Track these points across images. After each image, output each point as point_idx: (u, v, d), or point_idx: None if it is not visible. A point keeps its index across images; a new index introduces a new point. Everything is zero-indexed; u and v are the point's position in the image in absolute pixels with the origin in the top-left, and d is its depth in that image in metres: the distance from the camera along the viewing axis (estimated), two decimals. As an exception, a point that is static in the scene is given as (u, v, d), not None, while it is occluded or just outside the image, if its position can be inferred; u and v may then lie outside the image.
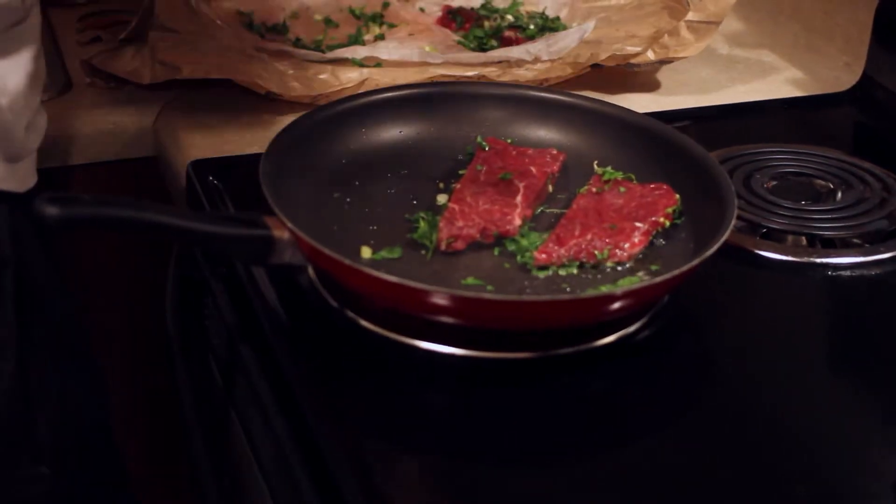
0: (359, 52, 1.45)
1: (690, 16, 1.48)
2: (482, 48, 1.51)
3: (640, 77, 1.50)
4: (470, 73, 1.42)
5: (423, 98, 1.25)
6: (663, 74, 1.52)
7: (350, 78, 1.40)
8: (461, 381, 1.02)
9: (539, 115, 1.25)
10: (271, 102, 1.39)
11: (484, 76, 1.42)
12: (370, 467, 0.94)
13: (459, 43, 1.50)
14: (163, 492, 1.57)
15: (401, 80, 1.38)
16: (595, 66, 1.45)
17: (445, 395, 1.02)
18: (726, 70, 1.58)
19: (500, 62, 1.45)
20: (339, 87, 1.39)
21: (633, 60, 1.46)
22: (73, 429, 1.20)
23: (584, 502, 0.92)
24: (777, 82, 1.55)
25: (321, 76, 1.41)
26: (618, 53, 1.45)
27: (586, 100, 1.25)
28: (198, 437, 1.20)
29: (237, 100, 1.40)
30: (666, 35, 1.47)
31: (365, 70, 1.42)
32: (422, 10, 1.58)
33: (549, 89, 1.31)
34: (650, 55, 1.46)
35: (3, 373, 1.12)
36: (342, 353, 1.04)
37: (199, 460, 1.19)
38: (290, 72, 1.41)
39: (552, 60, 1.45)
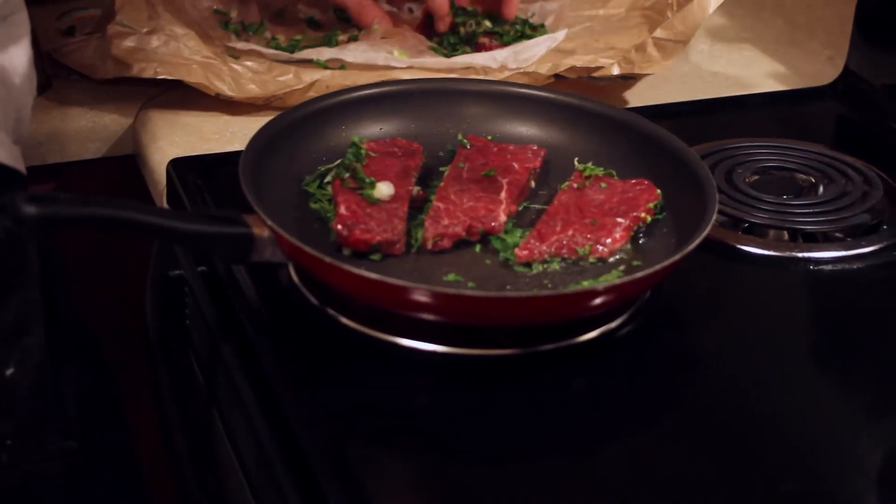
0: (324, 53, 1.44)
1: (658, 33, 1.45)
2: (455, 53, 1.49)
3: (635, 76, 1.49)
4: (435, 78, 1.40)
5: (403, 95, 1.24)
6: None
7: (312, 79, 1.39)
8: (443, 379, 1.02)
9: (519, 112, 1.24)
10: (266, 105, 1.38)
11: None
12: (352, 466, 0.94)
13: (432, 49, 1.49)
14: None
15: (361, 83, 1.37)
16: (559, 77, 1.43)
17: (427, 392, 1.02)
18: (708, 65, 1.58)
19: (465, 69, 1.44)
20: (288, 89, 1.38)
21: (594, 74, 1.44)
22: (94, 406, 1.22)
23: (567, 500, 0.92)
24: (759, 77, 1.55)
25: (282, 77, 1.40)
26: (578, 66, 1.42)
27: (566, 95, 1.25)
28: (180, 437, 1.20)
29: (217, 98, 1.39)
30: (633, 50, 1.45)
31: (327, 72, 1.41)
32: (410, 10, 1.57)
33: (529, 85, 1.30)
34: (614, 70, 1.43)
35: (32, 348, 1.13)
36: (323, 351, 1.04)
37: (181, 460, 1.19)
38: (249, 73, 1.40)
39: (518, 69, 1.44)
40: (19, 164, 1.15)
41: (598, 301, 1.01)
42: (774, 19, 1.67)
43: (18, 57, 1.13)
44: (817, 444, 0.98)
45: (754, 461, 0.95)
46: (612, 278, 1.06)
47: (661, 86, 1.50)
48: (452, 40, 1.51)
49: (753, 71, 1.56)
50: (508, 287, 1.06)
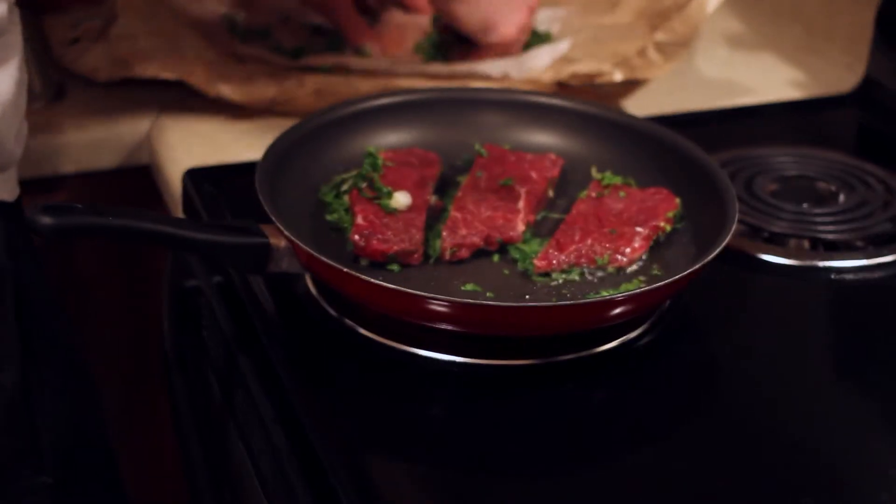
0: (328, 60, 1.45)
1: (658, 36, 1.44)
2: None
3: (638, 81, 1.49)
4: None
5: (419, 104, 1.24)
6: (663, 77, 1.51)
7: (315, 85, 1.39)
8: (461, 389, 1.02)
9: (536, 120, 1.24)
10: (267, 110, 1.38)
11: None
12: (369, 477, 0.93)
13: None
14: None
15: (363, 90, 1.37)
16: (562, 85, 1.42)
17: (446, 403, 1.01)
18: (726, 72, 1.57)
19: (467, 76, 1.43)
20: (290, 94, 1.37)
21: (597, 80, 1.42)
22: (74, 439, 1.20)
23: (586, 511, 0.92)
24: (778, 84, 1.54)
25: (285, 82, 1.40)
26: (580, 73, 1.41)
27: (584, 104, 1.24)
28: (196, 449, 1.19)
29: (233, 107, 1.39)
30: (634, 55, 1.44)
31: (330, 78, 1.41)
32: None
33: (546, 94, 1.30)
34: (617, 76, 1.42)
35: (5, 385, 1.12)
36: (341, 362, 1.03)
37: (197, 472, 1.19)
38: (252, 77, 1.40)
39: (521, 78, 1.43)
40: (5, 194, 1.14)
41: (617, 311, 1.01)
42: (793, 26, 1.66)
43: (3, 82, 1.10)
44: (838, 456, 0.97)
45: (775, 473, 0.94)
46: (632, 288, 1.06)
47: (679, 93, 1.49)
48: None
49: (772, 78, 1.56)
50: (527, 297, 1.06)
